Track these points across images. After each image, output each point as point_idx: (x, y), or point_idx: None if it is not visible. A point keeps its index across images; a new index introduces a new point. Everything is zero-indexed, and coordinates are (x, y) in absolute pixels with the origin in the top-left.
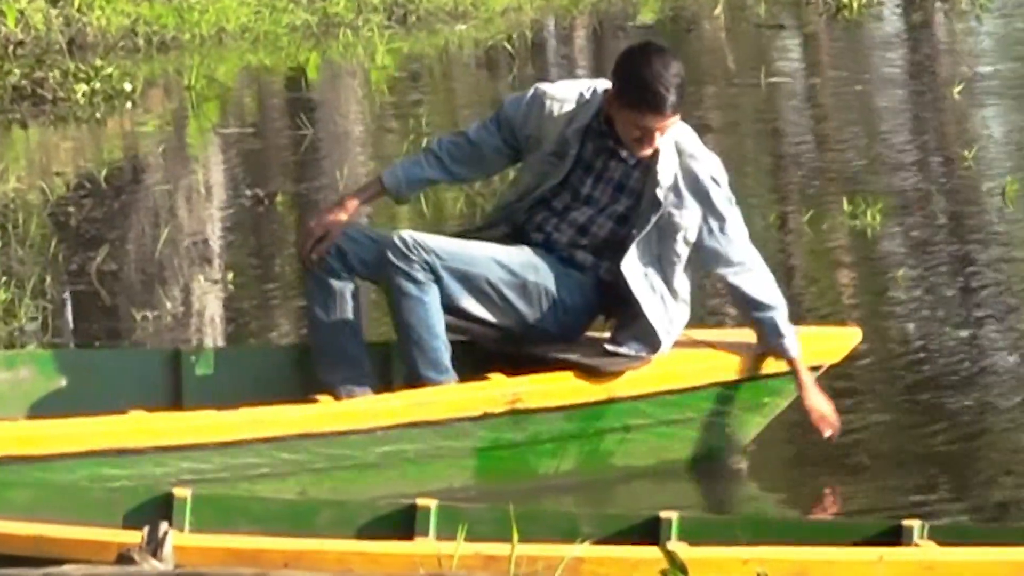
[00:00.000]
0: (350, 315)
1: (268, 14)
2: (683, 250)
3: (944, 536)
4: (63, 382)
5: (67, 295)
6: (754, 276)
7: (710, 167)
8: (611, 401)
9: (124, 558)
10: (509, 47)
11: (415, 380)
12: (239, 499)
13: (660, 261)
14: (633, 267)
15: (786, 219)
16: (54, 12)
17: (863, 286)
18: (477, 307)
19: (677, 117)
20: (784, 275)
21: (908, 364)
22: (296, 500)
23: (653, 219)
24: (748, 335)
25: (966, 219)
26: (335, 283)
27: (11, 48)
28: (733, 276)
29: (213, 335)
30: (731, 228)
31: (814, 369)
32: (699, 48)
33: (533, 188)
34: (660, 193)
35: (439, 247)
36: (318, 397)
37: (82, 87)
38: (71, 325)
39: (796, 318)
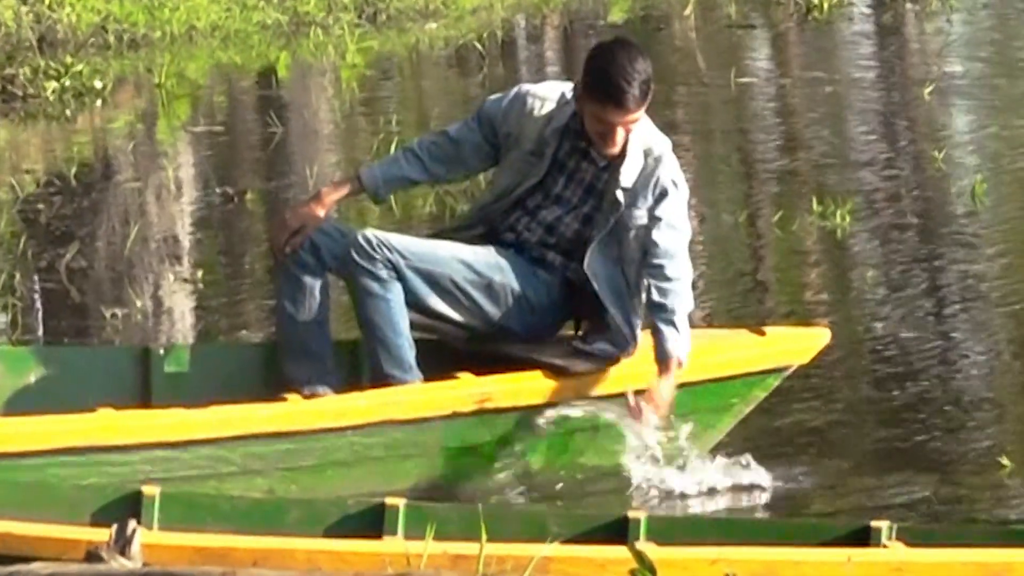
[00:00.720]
0: (319, 312)
1: (239, 12)
2: (638, 251)
3: (912, 537)
4: (32, 379)
5: (36, 292)
6: (675, 288)
7: (673, 171)
8: (580, 401)
9: (92, 556)
10: (479, 46)
11: (380, 378)
12: (208, 497)
13: (622, 261)
14: (595, 266)
15: (755, 219)
16: (24, 9)
17: (832, 286)
18: (443, 306)
19: (640, 113)
20: (753, 275)
21: (877, 364)
22: (265, 499)
23: (612, 219)
24: (716, 336)
25: (935, 219)
26: (306, 279)
27: None
28: (657, 280)
29: (183, 333)
30: (672, 235)
31: (782, 369)
32: (669, 48)
33: (511, 188)
34: (620, 194)
35: (403, 246)
36: (287, 396)
37: (52, 84)
38: (40, 322)
39: (765, 318)
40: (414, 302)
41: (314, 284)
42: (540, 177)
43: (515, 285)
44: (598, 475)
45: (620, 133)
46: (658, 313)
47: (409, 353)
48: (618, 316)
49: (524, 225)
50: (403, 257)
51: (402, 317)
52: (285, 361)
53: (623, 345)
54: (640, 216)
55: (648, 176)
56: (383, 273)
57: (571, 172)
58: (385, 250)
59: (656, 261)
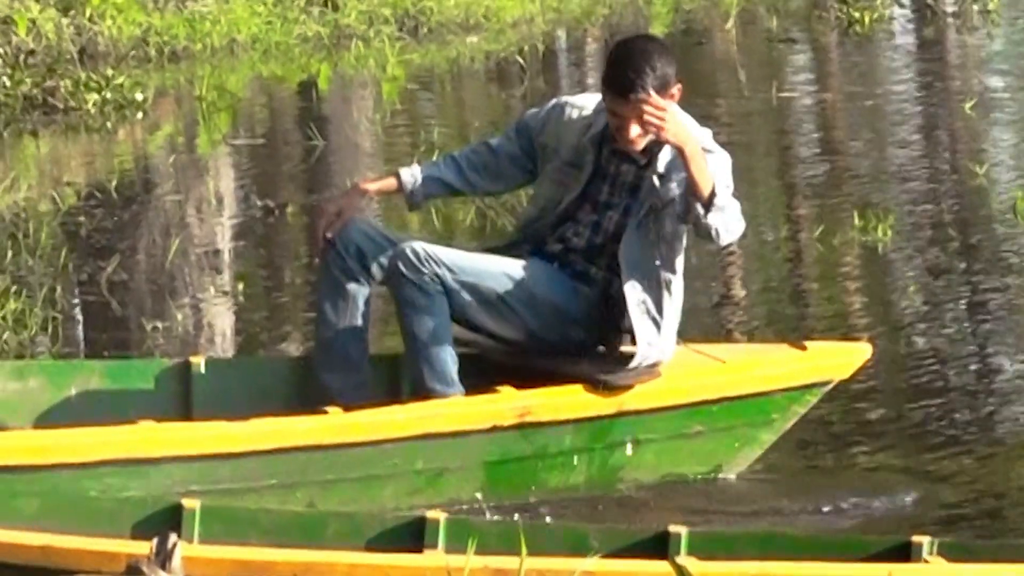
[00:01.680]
0: (359, 321)
1: (279, 25)
2: (675, 226)
3: (953, 553)
4: (72, 393)
5: (77, 305)
6: (722, 202)
7: (703, 140)
8: (620, 415)
9: (133, 569)
10: (520, 59)
11: (422, 392)
12: (248, 511)
13: (658, 241)
14: (628, 251)
15: (797, 234)
16: (65, 21)
17: (873, 301)
18: (487, 320)
19: (656, 102)
20: (794, 290)
21: (918, 380)
22: (305, 512)
23: (647, 204)
24: (757, 351)
25: (977, 234)
26: (350, 286)
27: (22, 57)
28: (706, 215)
29: (223, 346)
30: (719, 174)
31: (823, 384)
32: (710, 62)
33: (555, 201)
34: (655, 179)
35: (450, 260)
36: (327, 409)
37: (93, 97)
38: (81, 335)
39: (806, 333)
40: (459, 315)
41: (357, 293)
42: (582, 187)
43: (558, 300)
44: (639, 489)
45: (634, 128)
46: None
47: (452, 367)
48: (643, 309)
49: (572, 232)
50: (450, 271)
51: (446, 331)
52: (321, 368)
53: (653, 345)
54: (675, 188)
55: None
56: (430, 287)
57: (613, 177)
58: (433, 264)
59: (702, 210)
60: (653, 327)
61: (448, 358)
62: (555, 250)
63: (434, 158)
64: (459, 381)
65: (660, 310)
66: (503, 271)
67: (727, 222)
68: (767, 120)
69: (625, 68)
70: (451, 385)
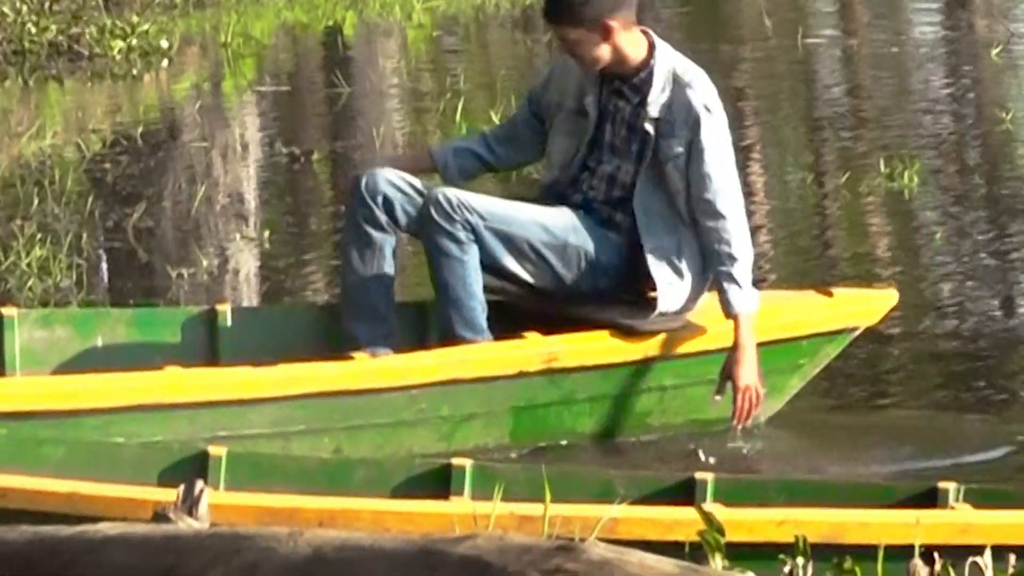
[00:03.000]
0: (386, 270)
1: None
2: (681, 182)
3: (979, 499)
4: (98, 340)
5: (103, 252)
6: (727, 228)
7: (705, 95)
8: (647, 361)
9: (159, 516)
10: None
11: (450, 339)
12: (274, 457)
13: (669, 193)
14: (642, 200)
15: (823, 181)
16: None
17: (900, 248)
18: (517, 268)
19: (563, 31)
20: (821, 237)
21: (945, 326)
22: (331, 459)
23: (648, 153)
24: (784, 297)
25: (1003, 181)
26: (376, 235)
27: (48, 4)
28: (707, 219)
29: (249, 293)
30: (715, 163)
31: (850, 331)
32: (736, 9)
33: (568, 155)
34: (648, 126)
35: (482, 207)
36: (354, 355)
37: (118, 44)
38: (107, 283)
39: (833, 279)
40: (489, 263)
41: (384, 242)
42: (591, 133)
43: (588, 247)
44: (665, 436)
45: (576, 51)
46: (716, 265)
47: (481, 315)
48: (660, 255)
49: (588, 184)
50: (482, 218)
51: (476, 279)
52: (347, 318)
53: (674, 287)
54: (676, 146)
55: (679, 103)
56: (461, 235)
57: (613, 116)
58: (465, 211)
59: (703, 196)
60: (672, 273)
61: (477, 306)
62: (577, 201)
63: (458, 109)
64: (487, 328)
65: (680, 255)
66: (535, 219)
67: (735, 251)
68: (793, 67)
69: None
70: (480, 332)
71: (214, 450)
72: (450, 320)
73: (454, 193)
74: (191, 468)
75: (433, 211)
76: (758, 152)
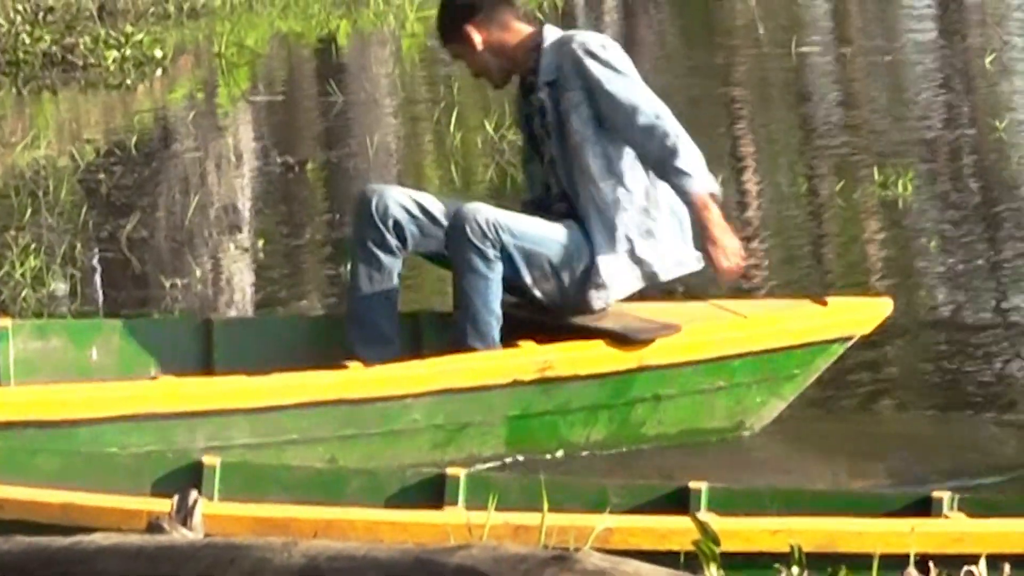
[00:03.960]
0: (392, 293)
1: None
2: (585, 128)
3: (974, 508)
4: (93, 351)
5: (97, 262)
6: (656, 128)
7: (583, 40)
8: (641, 370)
9: (154, 526)
10: (539, 15)
11: (462, 347)
12: (268, 467)
13: (589, 151)
14: (570, 172)
15: (817, 189)
16: None
17: (894, 256)
18: (532, 284)
19: (449, 48)
20: (815, 245)
21: (939, 335)
22: (326, 469)
23: (555, 121)
24: (778, 306)
25: (997, 189)
26: (385, 258)
27: (41, 14)
28: (635, 136)
29: (242, 303)
30: (616, 86)
31: (845, 339)
32: (730, 16)
33: (535, 171)
34: (542, 94)
35: (513, 225)
36: (348, 364)
37: (112, 53)
38: (101, 293)
39: (827, 288)
40: (509, 279)
41: (392, 265)
42: (527, 138)
43: (589, 263)
44: (659, 445)
45: (470, 68)
46: (659, 169)
47: (496, 329)
48: (595, 209)
49: (554, 182)
50: (513, 236)
51: (497, 295)
52: (353, 340)
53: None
54: (573, 98)
55: (564, 59)
56: (490, 252)
57: (534, 111)
58: (499, 230)
59: (620, 117)
60: (607, 232)
61: (494, 320)
62: (562, 210)
63: (452, 119)
64: (499, 342)
65: (616, 212)
66: (555, 237)
67: (671, 145)
68: (786, 75)
69: (436, 24)
70: (491, 345)
71: (208, 460)
72: (464, 330)
73: (487, 211)
74: (185, 478)
75: (468, 228)
76: (752, 160)
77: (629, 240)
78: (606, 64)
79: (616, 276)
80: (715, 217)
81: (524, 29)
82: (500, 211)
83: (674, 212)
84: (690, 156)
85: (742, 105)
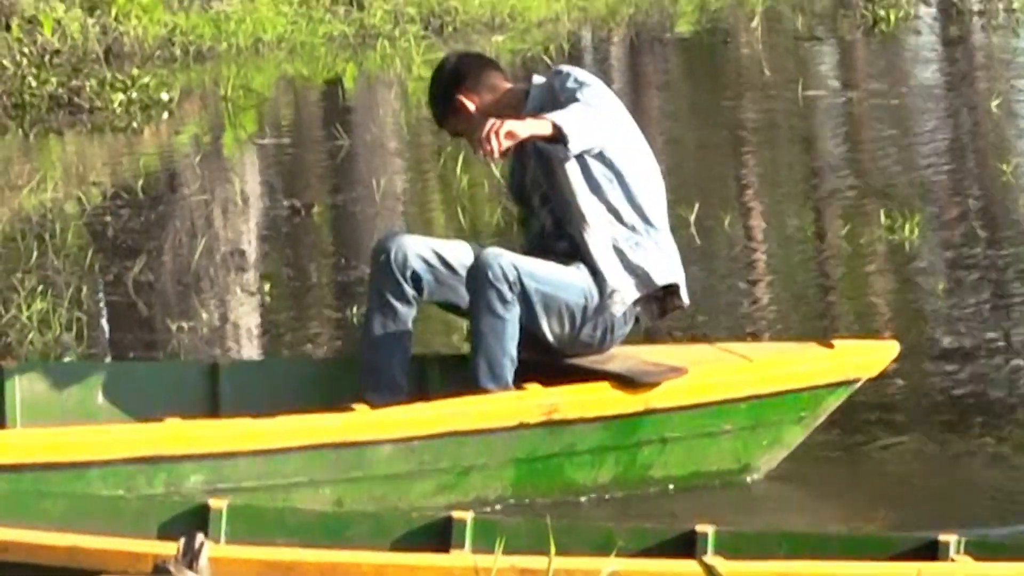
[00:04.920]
0: (406, 341)
1: (305, 24)
2: (568, 163)
3: (980, 551)
4: (99, 394)
5: (103, 306)
6: (577, 105)
7: (561, 68)
8: (647, 412)
9: (160, 570)
10: (546, 58)
11: (474, 387)
12: (275, 511)
13: (565, 171)
14: (566, 207)
15: (824, 233)
16: (91, 21)
17: (901, 300)
18: (546, 327)
19: (447, 126)
20: (821, 289)
21: (945, 378)
22: (332, 512)
23: (536, 152)
24: (785, 349)
25: (1004, 233)
26: (401, 308)
27: (48, 57)
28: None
29: (249, 347)
30: (567, 92)
31: (852, 382)
32: (736, 61)
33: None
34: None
35: (534, 270)
36: (354, 406)
37: (119, 96)
38: (107, 336)
39: (834, 331)
40: (527, 322)
41: (408, 314)
42: (534, 184)
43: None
44: (665, 488)
45: (469, 140)
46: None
47: (510, 372)
48: (596, 240)
49: (550, 220)
50: (533, 280)
51: (513, 337)
52: (366, 386)
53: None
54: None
55: (545, 92)
56: (508, 295)
57: (528, 153)
58: (520, 273)
59: (563, 96)
60: (614, 256)
61: (508, 363)
62: (563, 249)
63: (459, 162)
64: (511, 384)
65: (604, 225)
66: (572, 281)
67: (585, 133)
68: (793, 119)
69: (430, 108)
70: (504, 387)
71: (215, 503)
72: (478, 369)
73: (509, 255)
74: (191, 521)
75: (489, 271)
76: (759, 203)
77: (620, 251)
78: (567, 77)
79: (620, 283)
80: (529, 123)
81: (514, 91)
82: (520, 256)
83: (659, 240)
84: (574, 108)
85: (749, 148)
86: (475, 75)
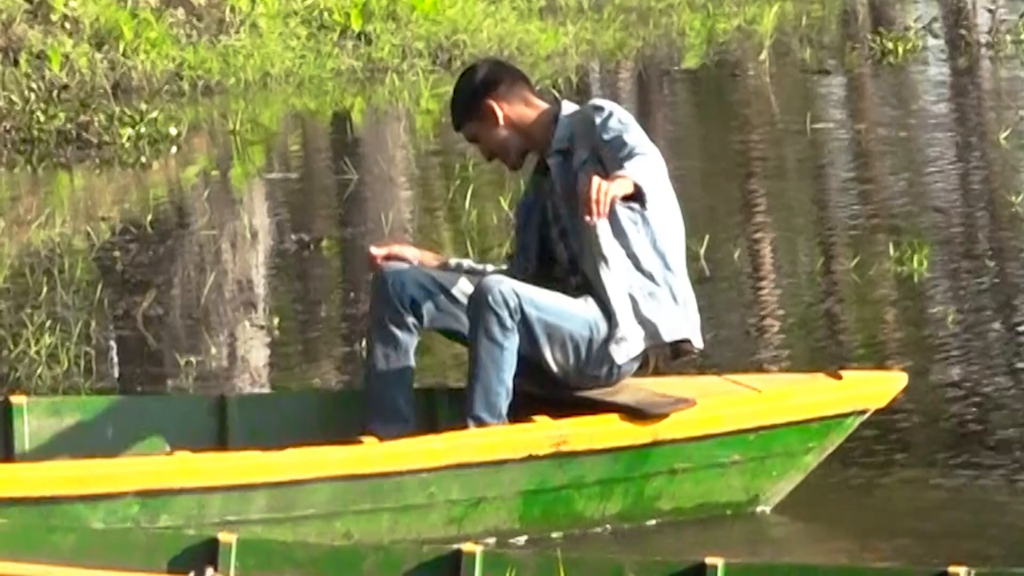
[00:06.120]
0: (408, 371)
1: (313, 59)
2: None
3: None
4: (108, 429)
5: (112, 340)
6: (629, 152)
7: (594, 102)
8: (656, 444)
9: None
10: (554, 91)
11: (468, 414)
12: (284, 544)
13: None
14: (586, 247)
15: (832, 265)
16: (99, 56)
17: (909, 331)
18: (550, 357)
19: (465, 130)
20: (830, 320)
21: (954, 410)
22: (341, 546)
23: (564, 188)
24: (793, 380)
25: (1013, 264)
26: (402, 336)
27: (56, 92)
28: (615, 163)
29: (258, 380)
30: (623, 130)
31: (860, 413)
32: (744, 93)
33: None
34: (552, 162)
35: (536, 299)
36: (363, 439)
37: (127, 131)
38: (116, 370)
39: (842, 363)
40: (527, 352)
41: (408, 342)
42: (545, 219)
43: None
44: (674, 519)
45: (480, 149)
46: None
47: (504, 402)
48: (614, 285)
49: (565, 256)
50: (536, 308)
51: (511, 367)
52: (372, 417)
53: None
54: (582, 155)
55: (577, 124)
56: (508, 323)
57: (548, 188)
58: (521, 300)
59: (616, 157)
60: (628, 302)
61: (504, 392)
62: (577, 283)
63: (467, 197)
64: (506, 416)
65: (622, 272)
66: (576, 312)
67: (656, 189)
68: (801, 151)
69: (451, 106)
70: (497, 417)
71: (224, 537)
72: (472, 398)
73: (510, 282)
74: (201, 555)
75: (490, 297)
76: (767, 235)
77: (633, 299)
78: (608, 115)
79: (630, 331)
80: (616, 184)
81: (542, 105)
82: (523, 284)
83: (674, 286)
84: (643, 161)
85: (758, 180)
86: (508, 84)
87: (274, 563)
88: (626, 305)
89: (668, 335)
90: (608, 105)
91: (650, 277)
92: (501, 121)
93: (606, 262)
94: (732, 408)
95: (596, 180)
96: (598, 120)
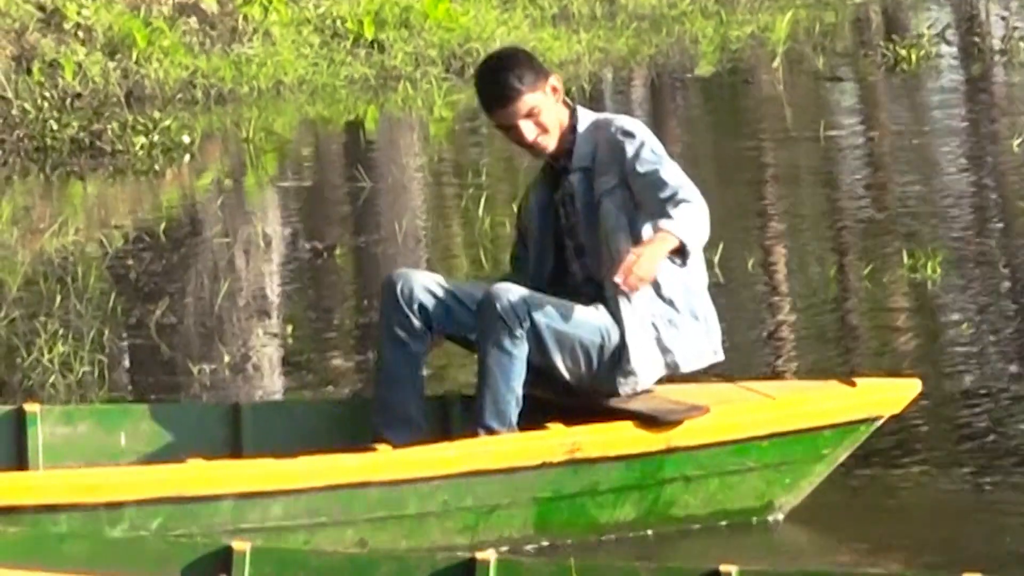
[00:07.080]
0: (418, 375)
1: (326, 67)
2: (619, 215)
3: None
4: (121, 437)
5: (125, 348)
6: (683, 198)
7: (622, 124)
8: (670, 451)
9: None
10: (566, 98)
11: (478, 422)
12: (298, 552)
13: (618, 240)
14: (605, 255)
15: (846, 272)
16: (112, 64)
17: (923, 338)
18: (561, 365)
19: (530, 97)
20: (844, 327)
21: (968, 417)
22: (355, 554)
23: (584, 207)
24: (807, 387)
25: None
26: (411, 341)
27: (69, 101)
28: (654, 204)
29: (271, 388)
30: (655, 166)
31: (873, 420)
32: (757, 101)
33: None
34: (574, 178)
35: (545, 306)
36: (376, 446)
37: (140, 139)
38: (129, 378)
39: (856, 370)
40: (538, 360)
41: (418, 348)
42: (554, 217)
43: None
44: (689, 526)
45: (525, 127)
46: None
47: (514, 411)
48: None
49: (579, 269)
50: (545, 316)
51: (520, 375)
52: (381, 423)
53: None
54: (608, 182)
55: (602, 144)
56: (518, 331)
57: (562, 198)
58: (529, 308)
59: (661, 195)
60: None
61: (513, 400)
62: (590, 294)
63: (481, 204)
64: (515, 424)
65: (644, 299)
66: (586, 320)
67: (699, 241)
68: (815, 159)
69: (485, 83)
70: (507, 426)
71: (238, 545)
72: (482, 406)
73: (519, 290)
74: (215, 563)
75: (498, 304)
76: (781, 243)
77: (656, 328)
78: (641, 145)
79: (644, 363)
80: (659, 248)
81: (564, 108)
82: (531, 292)
83: (695, 307)
84: (696, 217)
85: (771, 188)
86: (543, 73)
87: (288, 571)
88: (649, 333)
89: (686, 364)
90: (638, 131)
91: (671, 303)
92: (535, 106)
93: (627, 294)
94: (746, 415)
95: (638, 254)
96: (630, 150)
